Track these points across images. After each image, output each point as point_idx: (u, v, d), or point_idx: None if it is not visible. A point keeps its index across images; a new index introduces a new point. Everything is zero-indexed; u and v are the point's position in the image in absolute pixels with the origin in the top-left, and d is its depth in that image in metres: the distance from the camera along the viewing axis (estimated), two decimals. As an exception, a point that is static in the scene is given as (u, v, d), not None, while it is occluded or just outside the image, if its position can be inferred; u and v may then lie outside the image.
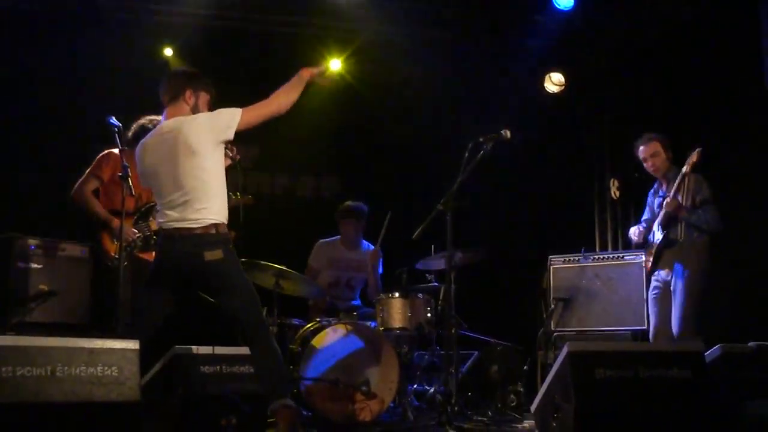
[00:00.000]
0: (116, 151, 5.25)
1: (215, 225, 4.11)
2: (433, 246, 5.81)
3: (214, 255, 4.06)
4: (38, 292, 5.97)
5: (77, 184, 5.33)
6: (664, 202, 5.65)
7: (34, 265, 6.01)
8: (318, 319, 5.72)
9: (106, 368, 3.53)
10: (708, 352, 4.16)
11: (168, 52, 7.68)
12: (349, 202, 6.68)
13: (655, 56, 7.21)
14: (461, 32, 7.76)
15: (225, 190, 4.22)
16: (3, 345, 3.40)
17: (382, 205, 6.73)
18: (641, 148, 5.85)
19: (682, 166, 5.63)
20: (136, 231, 5.24)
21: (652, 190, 6.05)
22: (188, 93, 4.27)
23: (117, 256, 5.11)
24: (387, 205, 6.62)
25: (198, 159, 4.09)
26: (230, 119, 4.16)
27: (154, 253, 5.01)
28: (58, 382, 3.41)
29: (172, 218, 4.12)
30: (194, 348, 4.56)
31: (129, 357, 3.62)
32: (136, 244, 5.21)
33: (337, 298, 6.45)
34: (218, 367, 4.60)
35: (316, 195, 8.43)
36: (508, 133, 5.21)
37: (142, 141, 4.34)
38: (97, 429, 3.47)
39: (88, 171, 5.35)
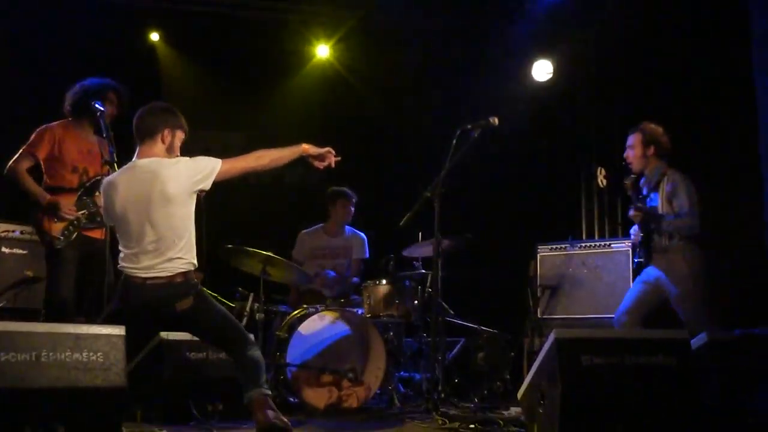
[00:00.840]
0: (54, 125, 5.03)
1: (184, 273, 3.97)
2: (420, 233, 5.81)
3: (184, 304, 3.94)
4: (23, 278, 5.95)
5: (11, 161, 4.99)
6: (629, 214, 5.44)
7: (19, 251, 6.00)
8: (305, 306, 5.72)
9: (91, 354, 3.51)
10: (694, 340, 4.17)
11: (154, 37, 7.64)
12: (335, 187, 6.65)
13: (643, 43, 7.20)
14: (449, 19, 7.74)
15: (194, 236, 4.07)
16: (-13, 330, 3.38)
17: (369, 192, 6.71)
18: (629, 136, 5.62)
19: (666, 164, 5.42)
20: (78, 208, 4.95)
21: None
22: (166, 132, 4.07)
23: (59, 237, 4.89)
24: (375, 193, 6.60)
25: (172, 207, 3.94)
26: (211, 170, 4.01)
27: (102, 231, 4.86)
28: (43, 368, 3.39)
29: (140, 266, 3.94)
30: (180, 334, 4.54)
31: (114, 343, 3.60)
32: (80, 221, 4.93)
33: (324, 286, 6.42)
34: (204, 354, 4.60)
35: (304, 183, 8.40)
36: (496, 121, 5.20)
37: (110, 178, 4.12)
38: (83, 414, 3.45)
39: (23, 148, 5.01)
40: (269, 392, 4.00)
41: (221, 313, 4.07)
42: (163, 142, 4.07)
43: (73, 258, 4.94)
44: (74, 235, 4.93)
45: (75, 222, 4.93)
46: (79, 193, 4.98)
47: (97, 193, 4.90)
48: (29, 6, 6.93)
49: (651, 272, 5.39)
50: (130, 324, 3.87)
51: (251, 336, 4.14)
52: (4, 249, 5.98)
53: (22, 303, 5.93)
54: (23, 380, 3.34)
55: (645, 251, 5.43)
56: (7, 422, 3.30)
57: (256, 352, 4.04)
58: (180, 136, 4.14)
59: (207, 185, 4.03)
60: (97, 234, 4.99)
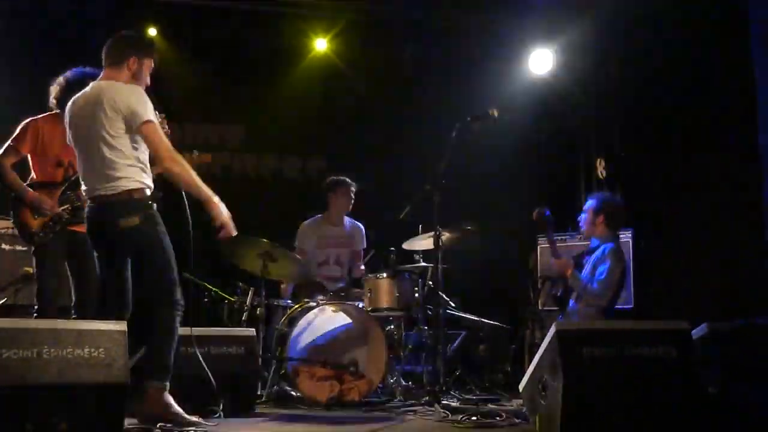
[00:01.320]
0: (39, 118, 4.94)
1: (131, 191, 4.02)
2: (420, 226, 5.81)
3: (128, 222, 3.99)
4: (23, 274, 5.95)
5: None
6: (552, 261, 5.64)
7: (19, 248, 6.00)
8: (306, 300, 5.72)
9: (93, 350, 3.50)
10: (695, 330, 4.18)
11: (152, 31, 7.61)
12: (335, 176, 6.62)
13: (643, 33, 7.18)
14: (448, 10, 7.72)
15: (143, 157, 4.12)
16: (-11, 327, 3.38)
17: (369, 185, 6.70)
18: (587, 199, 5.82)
19: (612, 235, 5.57)
20: (62, 203, 4.83)
21: None
22: (132, 60, 4.18)
23: (40, 233, 4.79)
24: (374, 186, 6.60)
25: (112, 126, 4.01)
26: (144, 112, 4.02)
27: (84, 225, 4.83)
28: (44, 364, 3.39)
29: (90, 185, 4.10)
30: (182, 329, 4.54)
31: (116, 338, 3.59)
32: (62, 217, 4.82)
33: (328, 277, 6.42)
34: (206, 348, 4.58)
35: (303, 176, 8.40)
36: (496, 113, 5.20)
37: (74, 98, 4.22)
38: (85, 411, 3.45)
39: (7, 143, 4.90)
40: (164, 388, 3.97)
41: (168, 255, 4.06)
42: (129, 69, 4.17)
43: (59, 253, 4.84)
44: (56, 231, 4.83)
45: (56, 218, 4.84)
46: (63, 187, 4.89)
47: (80, 188, 4.89)
48: (26, 4, 6.90)
49: None
50: (98, 254, 4.12)
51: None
52: (4, 246, 5.99)
53: (22, 300, 5.93)
54: (25, 377, 3.34)
55: (560, 308, 5.51)
56: (9, 419, 3.30)
57: (176, 322, 4.04)
58: (148, 64, 4.25)
59: (134, 122, 4.01)
60: (82, 229, 4.87)
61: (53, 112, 4.98)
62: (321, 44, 8.04)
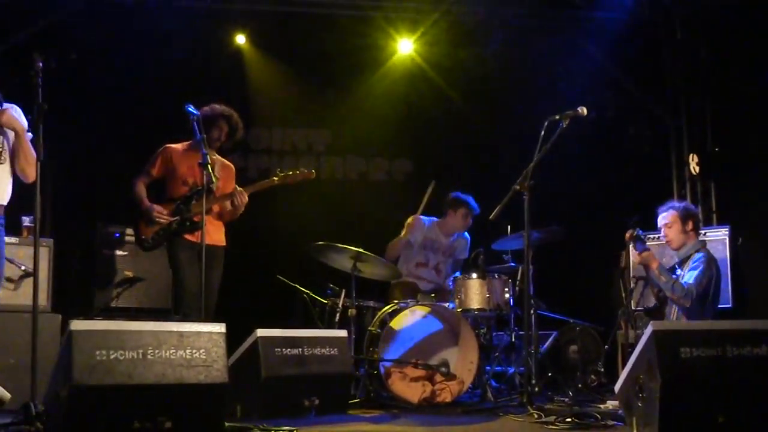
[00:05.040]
0: (175, 145, 5.43)
1: None
2: (509, 226, 5.78)
3: None
4: (124, 278, 6.18)
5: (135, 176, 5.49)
6: (639, 254, 5.48)
7: (119, 252, 6.23)
8: (396, 301, 5.75)
9: (194, 351, 3.63)
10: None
11: (240, 39, 7.77)
12: (461, 194, 6.50)
13: (732, 27, 6.98)
14: (533, 8, 7.65)
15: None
16: (97, 329, 3.53)
17: (456, 186, 6.70)
18: (659, 215, 5.60)
19: (700, 243, 5.43)
20: (173, 214, 5.30)
21: None
22: None
23: (149, 240, 5.30)
24: (462, 187, 6.58)
25: None
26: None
27: (197, 234, 5.14)
28: (149, 365, 3.53)
29: None
30: (276, 330, 4.64)
31: (216, 340, 3.71)
32: (171, 226, 5.28)
33: (423, 279, 6.43)
34: (300, 349, 4.67)
35: (389, 178, 8.44)
36: (585, 110, 5.12)
37: None
38: (188, 410, 3.57)
39: (145, 166, 5.47)
40: None
41: None
42: None
43: (186, 259, 5.24)
44: (164, 238, 5.30)
45: (165, 227, 5.29)
46: (179, 201, 5.34)
47: (193, 202, 5.28)
48: (116, 17, 7.11)
49: None
50: None
51: None
52: (105, 251, 6.22)
53: (123, 302, 6.17)
54: (131, 377, 3.48)
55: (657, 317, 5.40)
56: (117, 417, 3.43)
57: None
58: None
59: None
60: (191, 237, 5.29)
61: (190, 141, 5.35)
62: (405, 46, 8.07)
